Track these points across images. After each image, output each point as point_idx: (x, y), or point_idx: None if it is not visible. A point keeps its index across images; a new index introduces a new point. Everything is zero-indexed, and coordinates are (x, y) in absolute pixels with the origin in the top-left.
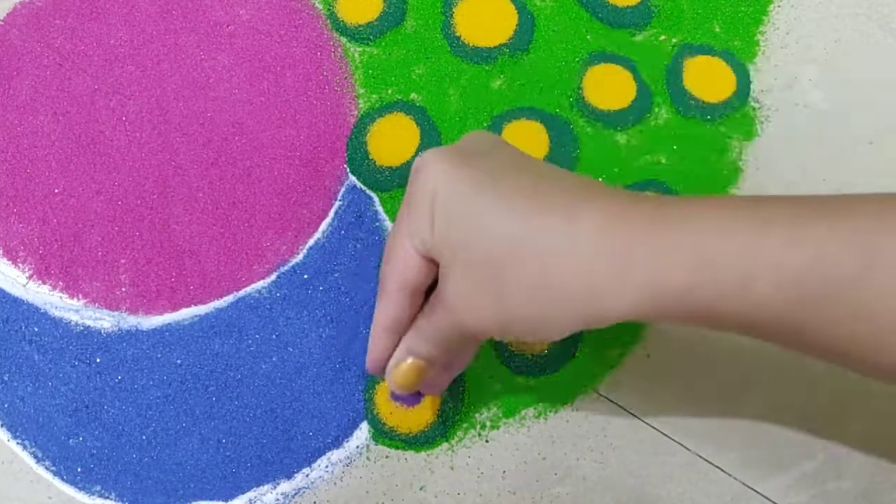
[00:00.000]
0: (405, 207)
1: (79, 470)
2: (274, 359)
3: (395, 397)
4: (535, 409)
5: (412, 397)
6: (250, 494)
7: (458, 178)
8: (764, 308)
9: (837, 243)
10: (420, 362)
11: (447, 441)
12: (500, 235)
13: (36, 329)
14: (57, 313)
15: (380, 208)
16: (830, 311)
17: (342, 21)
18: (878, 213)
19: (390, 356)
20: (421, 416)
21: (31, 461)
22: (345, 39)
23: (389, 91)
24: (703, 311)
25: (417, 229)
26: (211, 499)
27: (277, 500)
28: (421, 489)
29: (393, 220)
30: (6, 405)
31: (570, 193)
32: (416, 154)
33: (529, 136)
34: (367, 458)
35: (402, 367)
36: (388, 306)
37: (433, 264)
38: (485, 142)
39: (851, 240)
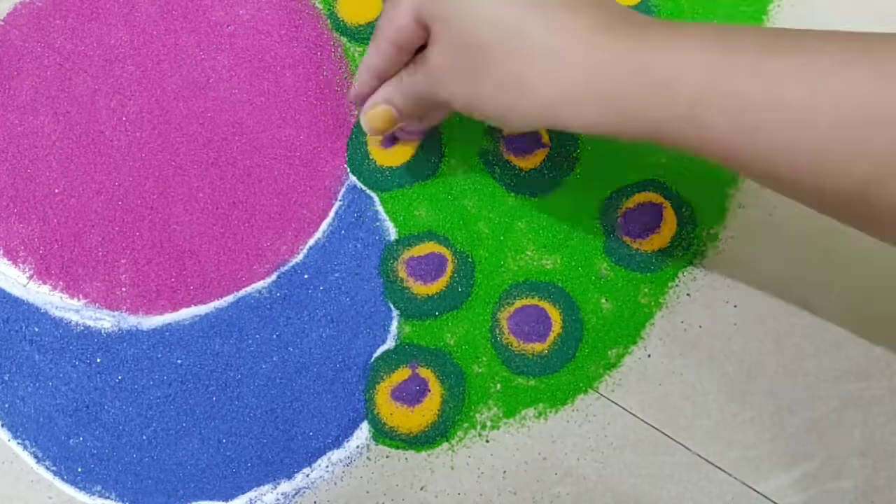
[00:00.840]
0: None
1: (79, 470)
2: (274, 359)
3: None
4: (535, 409)
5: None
6: (250, 494)
7: None
8: (710, 129)
9: (792, 78)
10: (391, 110)
11: (447, 441)
12: (493, 20)
13: (36, 329)
14: (57, 313)
15: (380, 208)
16: (774, 139)
17: (342, 21)
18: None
19: (370, 95)
20: (422, 416)
21: (31, 461)
22: (345, 39)
23: None
24: (661, 132)
25: None
26: (211, 499)
27: (278, 500)
28: (421, 489)
29: (393, 219)
30: (6, 405)
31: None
32: (416, 154)
33: None
34: (368, 458)
35: (376, 111)
36: (375, 54)
37: (425, 30)
38: None
39: (801, 75)
